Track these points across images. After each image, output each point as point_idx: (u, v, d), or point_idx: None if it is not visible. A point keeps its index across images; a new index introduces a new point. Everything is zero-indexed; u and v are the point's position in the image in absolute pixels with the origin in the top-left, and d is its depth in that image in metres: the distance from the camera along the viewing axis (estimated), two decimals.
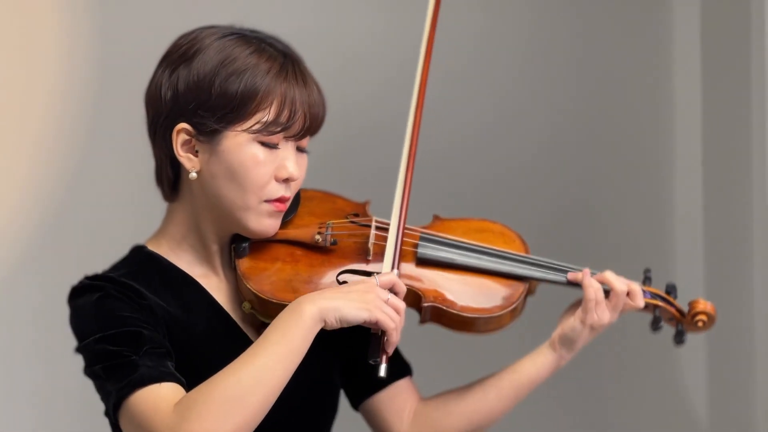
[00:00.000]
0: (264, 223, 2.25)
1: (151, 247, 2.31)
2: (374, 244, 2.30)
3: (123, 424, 2.11)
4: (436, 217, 2.44)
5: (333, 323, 2.09)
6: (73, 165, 3.19)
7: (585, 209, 3.53)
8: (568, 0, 3.55)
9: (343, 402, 2.45)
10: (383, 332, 2.13)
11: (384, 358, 2.12)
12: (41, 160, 3.20)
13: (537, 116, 3.53)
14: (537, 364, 2.37)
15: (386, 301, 2.12)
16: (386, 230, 2.31)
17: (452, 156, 3.44)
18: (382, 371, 2.12)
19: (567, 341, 2.35)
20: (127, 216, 3.04)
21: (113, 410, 2.11)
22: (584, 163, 3.55)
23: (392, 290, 2.16)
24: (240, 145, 2.20)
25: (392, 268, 2.21)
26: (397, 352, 2.44)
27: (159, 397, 2.06)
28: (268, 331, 2.09)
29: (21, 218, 3.18)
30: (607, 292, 2.34)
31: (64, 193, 3.18)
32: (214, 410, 2.00)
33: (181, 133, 2.22)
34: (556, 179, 3.53)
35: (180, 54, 2.23)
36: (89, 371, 2.16)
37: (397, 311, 2.13)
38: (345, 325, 2.10)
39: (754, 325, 3.23)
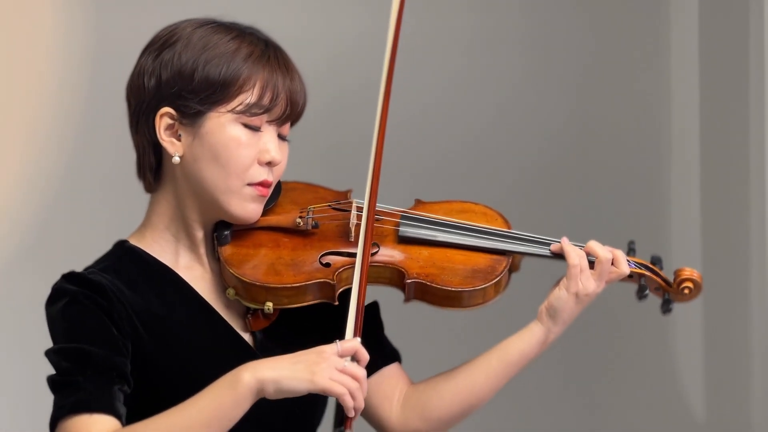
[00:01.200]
0: (247, 207, 2.27)
1: (134, 241, 2.32)
2: (356, 225, 2.31)
3: None
4: (418, 201, 2.45)
5: (272, 394, 2.08)
6: (66, 161, 3.21)
7: (581, 198, 3.54)
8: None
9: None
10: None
11: (349, 423, 2.09)
12: (34, 156, 3.22)
13: (531, 109, 3.56)
14: (524, 340, 2.35)
15: (342, 369, 2.08)
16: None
17: (442, 144, 3.46)
18: None
19: (553, 311, 2.34)
20: (121, 212, 3.05)
21: (50, 427, 2.14)
22: (580, 152, 3.56)
23: (354, 358, 2.12)
24: (223, 126, 2.22)
25: (355, 334, 2.16)
26: (384, 338, 2.44)
27: (86, 427, 2.09)
28: (203, 392, 2.10)
29: (13, 213, 3.20)
30: (592, 263, 2.34)
31: (57, 190, 3.20)
32: None
33: (164, 117, 2.24)
34: (551, 170, 3.55)
35: (161, 44, 2.27)
36: (47, 379, 2.18)
37: (354, 378, 2.08)
38: (288, 396, 2.08)
39: (752, 319, 3.22)
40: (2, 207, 3.22)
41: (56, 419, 2.12)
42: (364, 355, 2.11)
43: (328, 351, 2.09)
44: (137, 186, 2.36)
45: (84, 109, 3.27)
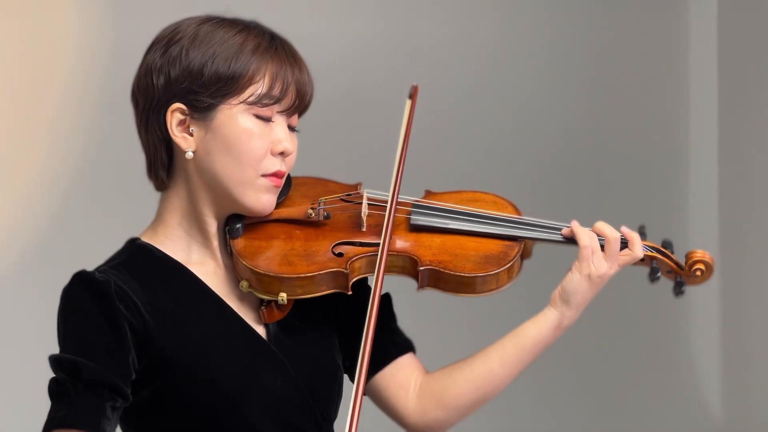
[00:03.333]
0: (261, 199, 2.28)
1: (146, 238, 2.32)
2: (367, 215, 2.32)
3: None
4: (428, 192, 2.46)
5: None
6: (83, 161, 3.23)
7: (598, 185, 3.55)
8: None
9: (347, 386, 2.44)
10: None
11: None
12: (54, 157, 3.25)
13: (548, 99, 3.59)
14: (538, 325, 2.36)
15: None
16: (378, 203, 2.34)
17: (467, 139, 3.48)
18: None
19: (566, 295, 2.34)
20: (137, 210, 3.07)
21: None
22: (598, 141, 3.57)
23: None
24: (234, 117, 2.23)
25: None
26: (397, 329, 2.45)
27: None
28: None
29: (37, 206, 3.22)
30: (603, 246, 2.34)
31: (75, 189, 3.22)
32: None
33: (175, 113, 2.25)
34: (569, 159, 3.56)
35: (166, 41, 2.28)
36: (49, 380, 2.20)
37: None
38: None
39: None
40: (22, 207, 3.25)
41: (46, 429, 2.14)
42: None
43: None
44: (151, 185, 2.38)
45: (102, 110, 3.30)
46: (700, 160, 3.65)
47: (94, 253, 2.46)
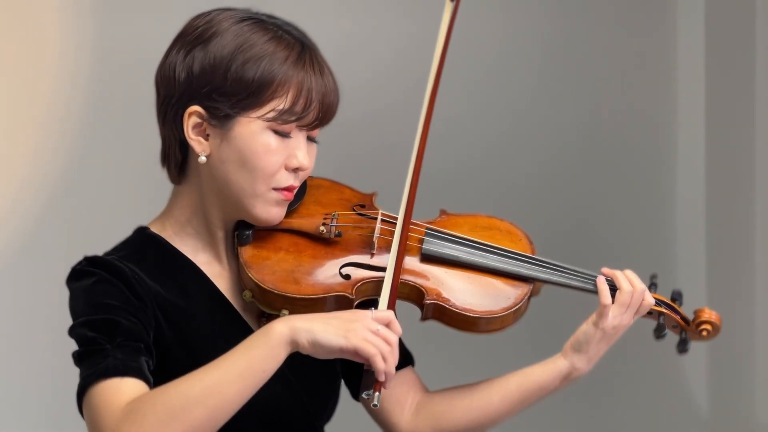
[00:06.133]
0: (271, 211, 2.24)
1: (155, 229, 2.29)
2: (379, 237, 2.28)
3: (84, 412, 2.09)
4: (443, 212, 2.42)
5: (306, 346, 2.04)
6: (73, 158, 3.21)
7: (589, 215, 3.54)
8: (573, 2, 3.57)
9: (344, 392, 2.44)
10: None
11: (378, 387, 2.07)
12: (46, 146, 3.23)
13: (544, 123, 3.56)
14: (546, 371, 2.33)
15: (375, 332, 2.06)
16: (392, 224, 2.29)
17: (464, 155, 3.45)
18: (375, 400, 2.07)
19: (578, 345, 2.32)
20: (132, 201, 3.05)
21: (77, 398, 2.10)
22: (589, 167, 3.56)
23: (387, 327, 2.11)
24: (253, 132, 2.18)
25: (388, 306, 2.15)
26: (399, 342, 2.42)
27: (117, 391, 2.04)
28: (236, 348, 2.06)
29: (25, 203, 3.20)
30: (614, 290, 2.32)
31: (68, 179, 3.20)
32: (156, 416, 1.99)
33: (192, 116, 2.20)
34: (561, 185, 3.55)
35: (196, 36, 2.20)
36: (72, 354, 2.15)
37: (387, 342, 2.07)
38: (321, 352, 2.05)
39: (755, 312, 3.24)
40: (11, 203, 3.23)
41: (84, 387, 2.08)
42: (398, 328, 2.10)
43: (362, 313, 2.08)
44: (150, 177, 2.34)
45: (91, 108, 3.26)
46: (687, 174, 3.63)
47: (83, 252, 2.43)
